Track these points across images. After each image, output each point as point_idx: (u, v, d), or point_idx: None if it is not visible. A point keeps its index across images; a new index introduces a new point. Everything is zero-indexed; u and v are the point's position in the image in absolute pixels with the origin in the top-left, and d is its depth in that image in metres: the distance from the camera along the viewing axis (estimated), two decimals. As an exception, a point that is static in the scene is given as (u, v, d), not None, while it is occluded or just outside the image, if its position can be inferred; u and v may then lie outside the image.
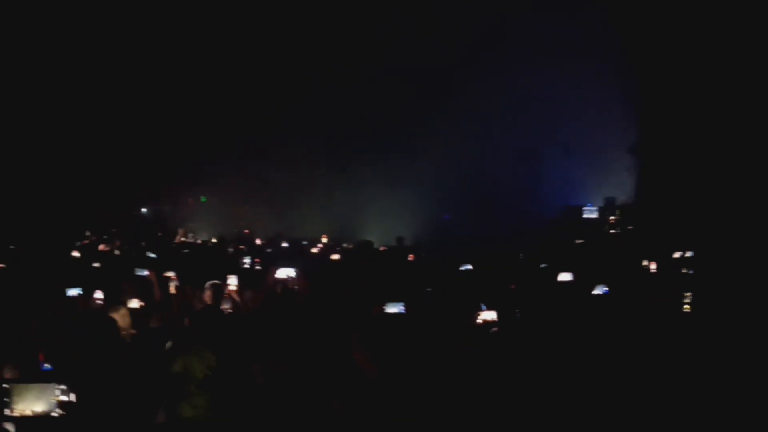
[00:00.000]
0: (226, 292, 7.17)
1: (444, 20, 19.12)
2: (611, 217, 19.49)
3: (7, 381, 3.87)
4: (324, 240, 17.14)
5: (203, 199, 23.90)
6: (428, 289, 8.19)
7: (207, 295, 7.04)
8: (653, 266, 10.21)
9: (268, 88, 20.70)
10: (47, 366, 4.94)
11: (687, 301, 6.99)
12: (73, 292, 6.98)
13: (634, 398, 4.75)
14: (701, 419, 4.53)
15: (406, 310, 6.16)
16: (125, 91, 20.49)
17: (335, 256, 13.00)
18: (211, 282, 7.18)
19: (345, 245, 16.88)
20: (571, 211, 20.01)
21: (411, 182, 19.94)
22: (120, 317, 5.95)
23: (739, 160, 14.87)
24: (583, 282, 7.96)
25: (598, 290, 7.43)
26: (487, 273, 9.64)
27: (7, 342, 5.34)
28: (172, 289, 7.28)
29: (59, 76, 19.80)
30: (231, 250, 14.91)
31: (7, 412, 3.78)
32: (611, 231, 19.07)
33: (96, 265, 11.11)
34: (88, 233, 18.33)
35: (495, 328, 5.96)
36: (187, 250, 15.41)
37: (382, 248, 15.47)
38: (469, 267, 9.71)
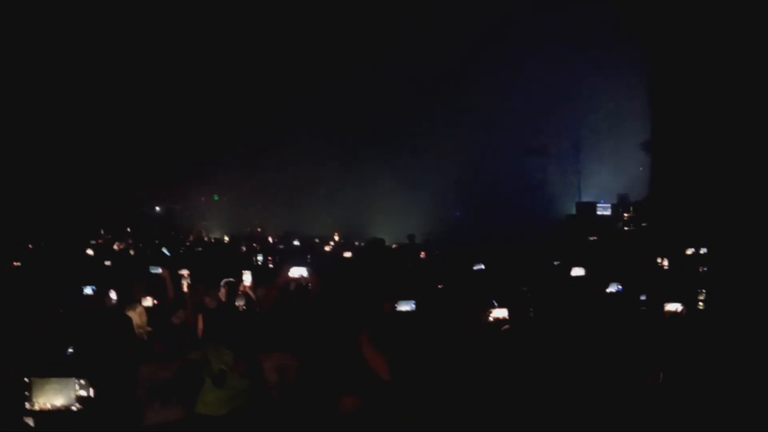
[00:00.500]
0: (241, 288, 7.21)
1: (456, 19, 19.08)
2: (625, 214, 19.40)
3: (27, 375, 3.91)
4: (336, 238, 17.18)
5: (216, 197, 24.03)
6: (440, 287, 8.19)
7: (222, 293, 7.08)
8: (666, 263, 10.16)
9: (281, 88, 20.76)
10: None
11: (701, 298, 6.95)
12: (88, 290, 7.06)
13: (645, 396, 4.74)
14: (713, 417, 4.51)
15: (417, 307, 6.16)
16: (140, 93, 20.63)
17: (347, 254, 13.03)
18: (226, 279, 7.22)
19: (357, 243, 16.91)
20: (584, 208, 19.93)
21: (422, 180, 19.93)
22: (137, 315, 6.02)
23: (752, 157, 14.75)
24: (596, 279, 7.92)
25: (611, 288, 7.40)
26: (499, 271, 9.62)
27: (24, 338, 5.41)
28: (186, 287, 7.33)
29: (75, 78, 19.97)
30: (244, 248, 14.99)
31: (27, 405, 3.83)
32: (625, 228, 18.98)
33: (109, 263, 11.21)
34: (102, 232, 18.49)
35: (506, 326, 5.96)
36: (200, 249, 15.51)
37: (393, 246, 15.48)
38: (481, 266, 9.69)
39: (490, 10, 18.63)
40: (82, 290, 7.09)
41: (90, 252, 13.30)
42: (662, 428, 4.59)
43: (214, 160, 21.28)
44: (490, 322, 6.03)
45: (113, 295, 6.96)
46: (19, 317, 6.01)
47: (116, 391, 4.44)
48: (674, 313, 7.26)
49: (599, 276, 8.07)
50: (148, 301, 6.69)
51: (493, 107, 19.47)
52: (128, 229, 19.16)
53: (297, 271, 6.74)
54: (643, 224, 18.23)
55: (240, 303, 6.89)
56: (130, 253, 14.47)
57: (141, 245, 16.11)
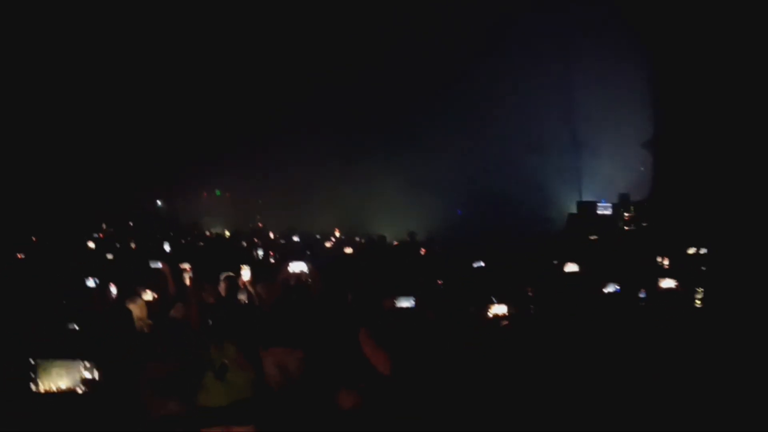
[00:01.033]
0: (241, 283, 7.24)
1: (456, 18, 19.07)
2: (626, 214, 19.40)
3: (33, 357, 3.93)
4: (337, 234, 17.21)
5: (218, 192, 24.07)
6: (440, 283, 8.22)
7: (221, 287, 7.11)
8: (666, 262, 10.17)
9: (282, 85, 20.78)
10: None
11: (698, 296, 6.98)
12: (90, 282, 7.09)
13: (643, 396, 4.75)
14: (710, 417, 4.52)
15: (417, 304, 6.18)
16: (144, 88, 20.66)
17: (348, 250, 13.06)
18: (225, 274, 7.25)
19: (358, 239, 16.94)
20: (585, 207, 19.94)
21: (423, 178, 19.95)
22: (137, 308, 6.05)
23: (753, 156, 14.75)
24: (595, 278, 7.94)
25: (609, 288, 7.41)
26: (499, 268, 9.64)
27: (29, 321, 5.45)
28: (187, 281, 7.36)
29: (78, 73, 20.00)
30: (244, 243, 15.02)
31: (33, 387, 3.85)
32: (625, 228, 18.98)
33: (110, 256, 11.25)
34: (104, 225, 18.53)
35: (506, 322, 5.99)
36: (201, 243, 15.55)
37: (395, 243, 15.52)
38: (482, 264, 9.72)
39: (490, 9, 18.63)
40: (84, 282, 7.13)
41: (91, 245, 13.34)
42: (661, 428, 4.61)
43: (217, 155, 21.31)
44: (490, 319, 6.06)
45: (113, 288, 6.99)
46: (25, 304, 6.06)
47: (119, 377, 4.47)
48: (669, 290, 7.30)
49: (597, 275, 8.08)
50: (148, 295, 6.72)
51: (493, 106, 19.48)
52: (130, 224, 19.21)
53: (297, 267, 6.76)
54: (644, 224, 18.23)
55: (242, 297, 6.93)
56: (131, 247, 14.52)
57: (142, 239, 16.15)
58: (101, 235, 17.06)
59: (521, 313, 6.30)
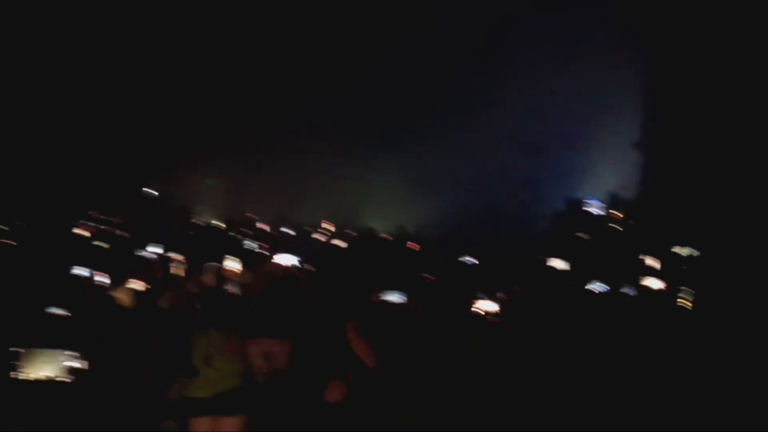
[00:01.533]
0: (227, 273, 7.23)
1: (452, 14, 19.06)
2: (616, 213, 19.48)
3: (18, 346, 3.94)
4: (328, 226, 17.22)
5: (208, 182, 23.95)
6: (430, 278, 8.24)
7: (206, 277, 7.10)
8: (652, 262, 10.24)
9: (275, 75, 20.70)
10: None
11: (686, 297, 7.02)
12: (79, 271, 7.06)
13: (632, 396, 4.77)
14: (698, 417, 4.55)
15: (406, 298, 6.19)
16: (135, 75, 20.51)
17: (339, 243, 13.08)
18: (209, 264, 7.23)
19: (349, 233, 16.96)
20: (574, 205, 20.01)
21: (416, 173, 19.97)
22: (123, 297, 6.04)
23: (744, 156, 14.83)
24: (581, 277, 7.98)
25: (595, 286, 7.44)
26: (489, 265, 9.69)
27: (19, 314, 5.44)
28: (176, 270, 7.35)
29: (68, 58, 19.83)
30: (235, 234, 15.00)
31: (17, 375, 3.86)
32: (616, 227, 19.07)
33: (100, 244, 11.20)
34: (93, 213, 18.41)
35: (494, 318, 6.01)
36: (191, 233, 15.51)
37: (385, 237, 15.55)
38: (471, 259, 9.76)
39: (486, 8, 18.63)
40: (73, 271, 7.09)
41: (83, 233, 13.28)
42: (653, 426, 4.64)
43: (209, 146, 21.21)
44: (477, 315, 6.09)
45: (103, 278, 6.96)
46: (12, 293, 6.04)
47: (106, 366, 4.48)
48: (656, 290, 7.36)
49: (586, 273, 8.12)
50: (137, 284, 6.71)
51: (487, 104, 19.49)
52: (120, 211, 19.09)
53: (285, 259, 6.77)
54: (632, 222, 18.32)
55: (230, 288, 6.93)
56: (121, 235, 14.46)
57: (132, 227, 16.07)
58: (91, 226, 16.96)
59: (509, 310, 6.33)
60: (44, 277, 7.07)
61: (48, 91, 19.88)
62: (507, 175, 19.57)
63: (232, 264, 7.37)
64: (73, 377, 3.91)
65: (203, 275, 7.20)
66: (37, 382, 3.91)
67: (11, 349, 3.97)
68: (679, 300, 7.00)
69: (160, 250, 8.57)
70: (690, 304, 7.00)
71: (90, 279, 6.98)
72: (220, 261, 7.38)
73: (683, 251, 11.07)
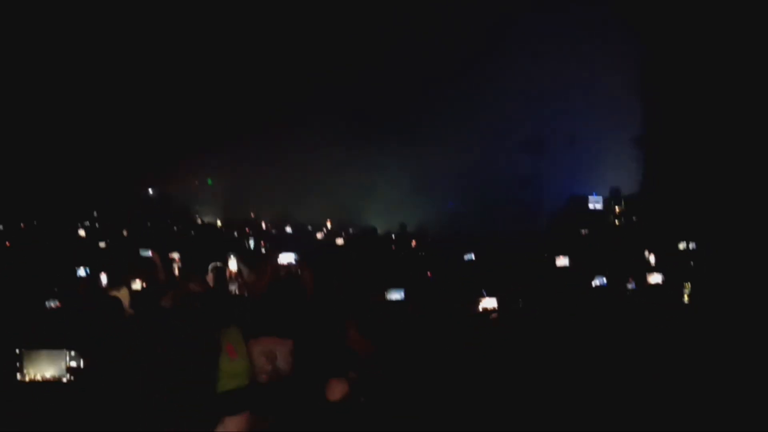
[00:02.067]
0: (229, 273, 7.20)
1: (451, 14, 19.03)
2: (617, 208, 19.45)
3: (19, 346, 3.93)
4: (328, 225, 17.20)
5: (209, 181, 23.94)
6: (429, 275, 8.23)
7: (209, 278, 7.07)
8: (652, 259, 10.20)
9: (276, 75, 20.67)
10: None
11: (686, 291, 7.01)
12: (81, 272, 7.06)
13: (632, 391, 4.75)
14: (697, 412, 4.54)
15: (406, 296, 6.19)
16: (137, 76, 20.49)
17: (339, 240, 13.07)
18: (213, 264, 7.20)
19: (349, 230, 16.95)
20: (576, 201, 19.96)
21: (416, 171, 19.94)
22: (121, 297, 6.02)
23: (744, 152, 14.80)
24: (583, 272, 7.96)
25: (596, 281, 7.43)
26: (490, 261, 9.65)
27: (20, 313, 5.43)
28: (177, 270, 7.33)
29: (70, 59, 19.81)
30: (236, 233, 15.00)
31: (19, 377, 3.85)
32: (616, 222, 19.03)
33: (102, 245, 11.21)
34: (95, 214, 18.42)
35: (494, 315, 6.00)
36: (192, 233, 15.51)
37: (385, 234, 15.53)
38: (472, 256, 9.72)
39: (486, 7, 18.59)
40: (75, 271, 7.10)
41: (82, 233, 13.29)
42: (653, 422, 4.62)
43: (210, 145, 21.19)
44: (479, 311, 6.07)
45: (103, 278, 6.96)
46: (13, 293, 6.04)
47: (107, 366, 4.47)
48: (657, 285, 7.34)
49: (586, 269, 8.10)
50: (137, 284, 6.69)
51: (487, 101, 19.45)
52: (122, 212, 19.10)
53: (286, 258, 6.75)
54: (634, 218, 18.29)
55: (232, 288, 6.91)
56: (122, 235, 14.46)
57: (133, 228, 16.07)
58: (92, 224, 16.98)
59: (510, 306, 6.32)
60: (44, 277, 7.08)
61: (48, 91, 19.86)
62: (507, 173, 19.54)
63: (231, 263, 7.35)
64: (73, 377, 3.89)
65: (201, 276, 7.18)
66: (37, 383, 3.90)
67: (12, 349, 3.96)
68: (679, 295, 6.98)
69: (160, 250, 8.55)
70: (690, 299, 6.99)
71: (90, 279, 6.98)
72: (222, 260, 7.36)
73: (684, 246, 11.03)
